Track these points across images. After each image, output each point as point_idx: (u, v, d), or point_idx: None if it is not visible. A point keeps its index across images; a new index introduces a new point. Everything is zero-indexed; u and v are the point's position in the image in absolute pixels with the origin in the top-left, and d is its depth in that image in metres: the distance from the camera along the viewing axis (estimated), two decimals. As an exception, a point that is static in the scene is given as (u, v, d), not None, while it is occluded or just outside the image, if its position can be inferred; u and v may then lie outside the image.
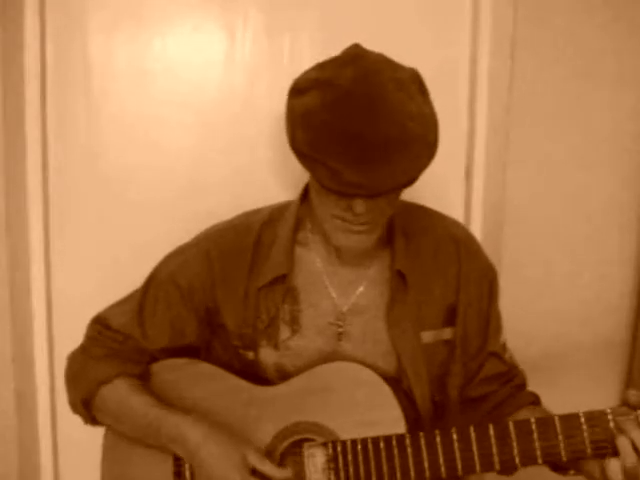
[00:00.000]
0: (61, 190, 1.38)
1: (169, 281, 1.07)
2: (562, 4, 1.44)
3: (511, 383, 1.11)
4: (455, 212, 1.45)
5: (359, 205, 0.89)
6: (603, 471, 0.89)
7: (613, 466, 0.88)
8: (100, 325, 1.10)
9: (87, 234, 1.39)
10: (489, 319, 1.10)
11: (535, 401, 1.09)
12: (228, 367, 1.07)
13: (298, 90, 0.94)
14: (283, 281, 1.04)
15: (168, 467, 1.02)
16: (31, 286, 1.38)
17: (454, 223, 1.16)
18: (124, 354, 1.06)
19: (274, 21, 1.35)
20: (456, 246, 1.09)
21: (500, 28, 1.39)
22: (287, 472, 0.96)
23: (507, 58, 1.40)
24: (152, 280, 1.10)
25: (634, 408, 0.89)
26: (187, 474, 1.01)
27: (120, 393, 1.03)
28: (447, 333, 1.07)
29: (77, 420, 1.10)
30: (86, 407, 1.06)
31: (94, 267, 1.39)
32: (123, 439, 1.05)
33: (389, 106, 0.88)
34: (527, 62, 1.43)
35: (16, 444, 1.43)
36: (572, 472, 0.97)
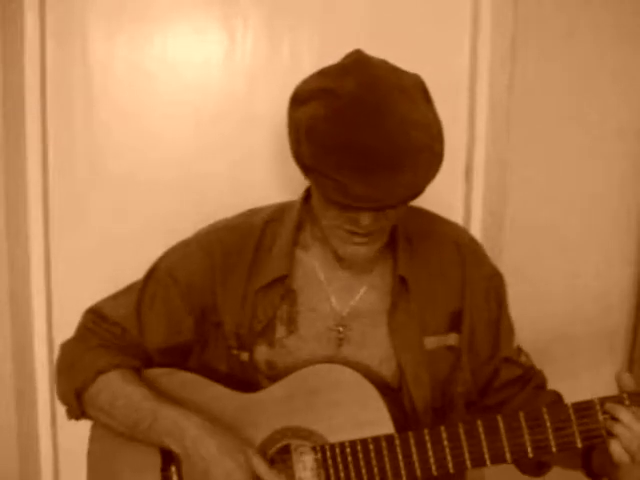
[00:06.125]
0: (61, 190, 1.38)
1: (168, 276, 1.06)
2: (562, 4, 1.44)
3: (530, 384, 1.09)
4: (455, 212, 1.46)
5: (365, 218, 0.89)
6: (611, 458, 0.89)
7: (615, 449, 0.87)
8: (94, 315, 1.08)
9: (87, 234, 1.39)
10: (499, 325, 1.09)
11: (557, 399, 1.07)
12: (215, 372, 1.05)
13: (300, 100, 0.92)
14: (282, 283, 1.03)
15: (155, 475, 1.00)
16: (31, 286, 1.38)
17: (457, 227, 1.16)
18: (122, 347, 1.04)
19: (274, 22, 1.35)
20: (459, 250, 1.08)
21: (500, 28, 1.39)
22: None
23: (507, 58, 1.40)
24: (151, 275, 1.09)
25: (624, 392, 0.89)
26: (174, 478, 0.99)
27: (116, 384, 0.99)
28: (452, 339, 1.05)
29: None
30: (78, 398, 1.02)
31: (94, 267, 1.39)
32: (108, 445, 1.03)
33: (393, 115, 0.86)
34: (527, 62, 1.43)
35: (16, 444, 1.43)
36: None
